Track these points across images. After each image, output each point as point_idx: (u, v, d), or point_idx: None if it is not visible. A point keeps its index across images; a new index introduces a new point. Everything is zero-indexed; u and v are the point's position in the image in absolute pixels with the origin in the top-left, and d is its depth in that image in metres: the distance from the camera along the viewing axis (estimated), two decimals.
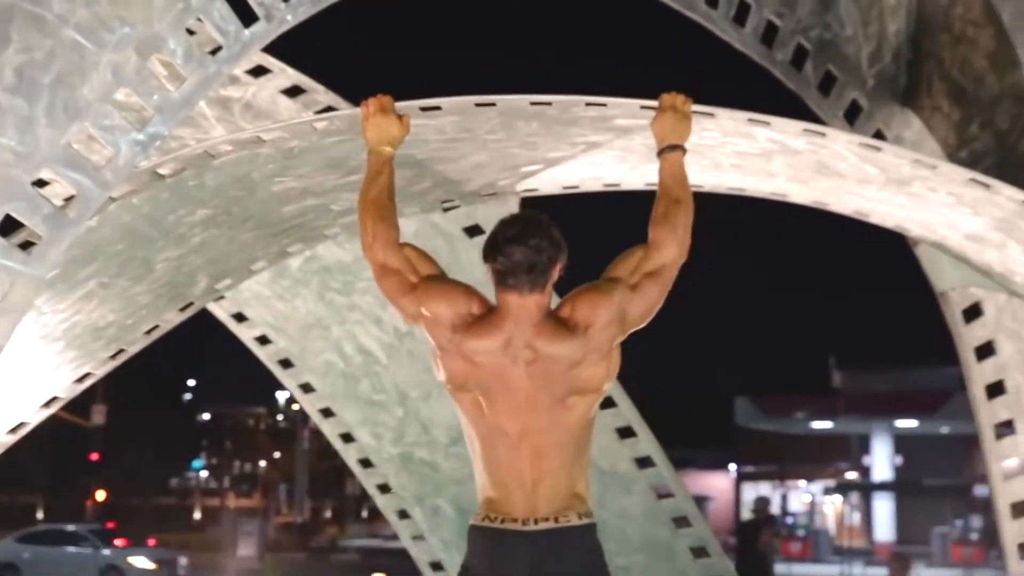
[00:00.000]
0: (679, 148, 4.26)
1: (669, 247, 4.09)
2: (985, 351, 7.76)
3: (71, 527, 34.84)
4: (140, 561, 30.91)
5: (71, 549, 32.14)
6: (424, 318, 4.04)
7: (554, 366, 3.92)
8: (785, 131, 5.59)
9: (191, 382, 75.17)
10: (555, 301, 4.13)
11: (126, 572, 30.30)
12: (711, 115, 5.31)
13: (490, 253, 3.97)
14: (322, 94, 7.46)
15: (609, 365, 4.00)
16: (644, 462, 8.78)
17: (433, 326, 4.01)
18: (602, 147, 6.30)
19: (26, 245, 5.03)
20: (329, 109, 7.42)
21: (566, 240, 4.04)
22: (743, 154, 6.03)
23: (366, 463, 9.68)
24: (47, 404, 7.44)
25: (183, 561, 32.20)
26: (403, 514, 9.76)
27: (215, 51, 5.38)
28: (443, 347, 4.00)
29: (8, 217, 4.93)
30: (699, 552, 8.90)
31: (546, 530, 3.87)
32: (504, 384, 3.92)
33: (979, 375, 7.77)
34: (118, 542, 32.82)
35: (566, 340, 3.93)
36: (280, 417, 76.50)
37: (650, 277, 4.06)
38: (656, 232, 4.12)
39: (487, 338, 3.94)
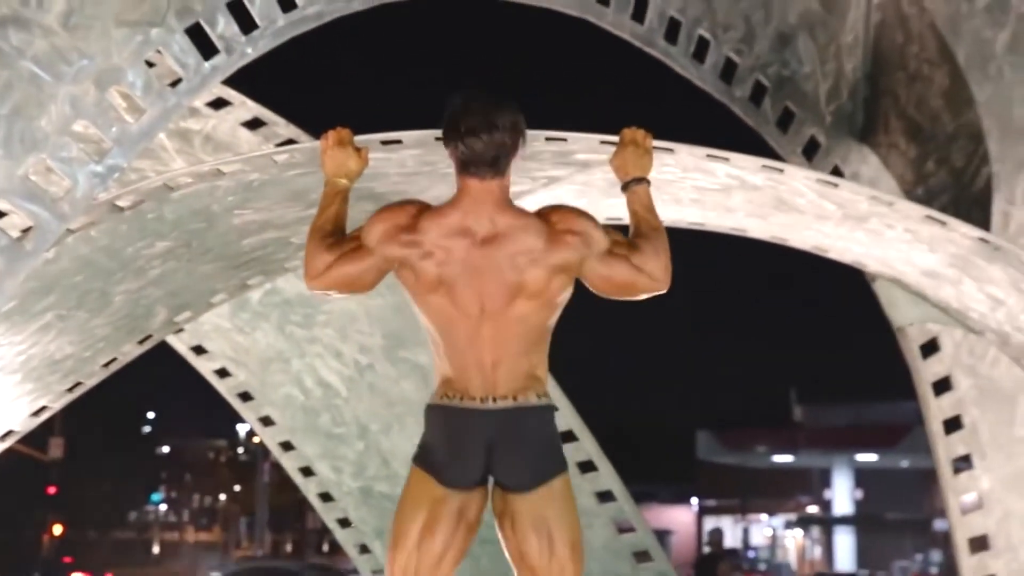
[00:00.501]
0: (644, 180, 4.28)
1: (654, 264, 4.04)
2: (942, 386, 7.80)
3: None
4: None
5: None
6: (385, 251, 3.96)
7: (509, 245, 3.90)
8: (744, 167, 5.63)
9: (150, 414, 74.54)
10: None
11: None
12: (671, 150, 5.34)
13: (451, 139, 3.96)
14: (283, 127, 7.46)
15: (553, 283, 3.95)
16: (605, 496, 8.79)
17: (392, 244, 3.95)
18: (562, 181, 6.31)
19: None
20: (290, 142, 7.41)
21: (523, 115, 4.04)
22: (702, 189, 6.07)
23: (326, 497, 9.64)
24: (3, 437, 7.38)
25: None
26: (364, 548, 9.72)
27: (175, 83, 5.38)
28: (407, 257, 3.93)
29: None
30: None
31: (504, 408, 3.88)
32: (464, 265, 3.90)
33: (937, 410, 7.80)
34: None
35: (527, 224, 3.94)
36: (240, 450, 75.90)
37: (628, 264, 4.03)
38: (643, 245, 4.07)
39: (446, 217, 3.93)
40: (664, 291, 4.13)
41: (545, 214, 4.03)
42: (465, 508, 3.93)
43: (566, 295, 4.04)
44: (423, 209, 4.03)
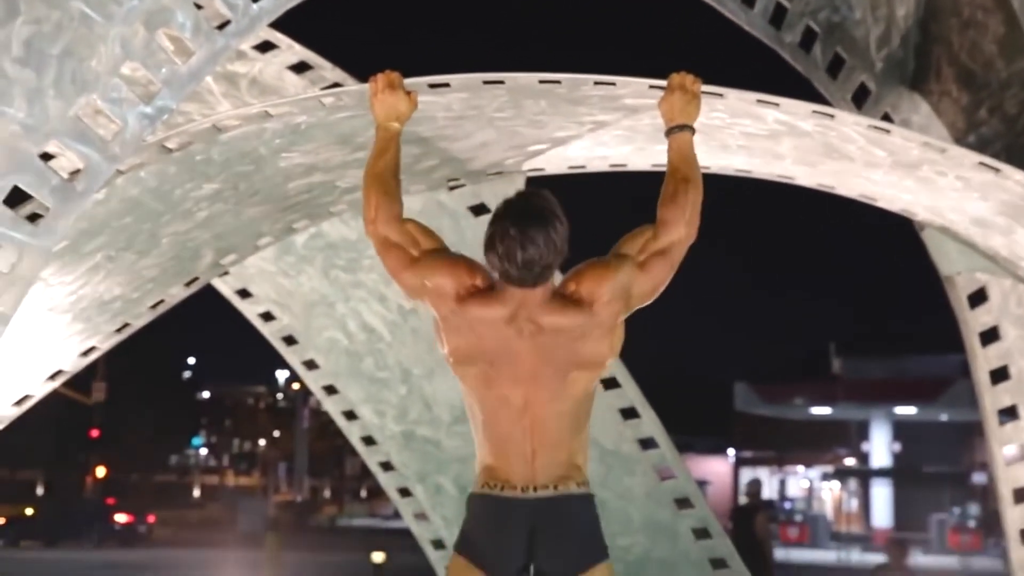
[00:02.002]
0: (688, 128, 4.24)
1: (678, 227, 4.07)
2: (990, 336, 7.76)
3: None
4: None
5: None
6: (427, 291, 4.02)
7: (557, 339, 3.92)
8: (794, 112, 5.58)
9: (191, 360, 75.24)
10: (558, 277, 4.13)
11: None
12: (720, 95, 5.30)
13: (491, 250, 3.92)
14: (329, 71, 7.45)
15: (612, 341, 4.00)
16: (647, 443, 8.80)
17: (436, 298, 3.99)
18: (609, 127, 6.29)
19: (34, 217, 5.02)
20: (336, 86, 7.40)
21: (568, 221, 3.97)
22: (751, 135, 6.02)
23: (369, 441, 9.69)
24: (52, 377, 7.45)
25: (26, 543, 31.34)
26: (405, 492, 9.77)
27: (223, 25, 5.36)
28: (447, 319, 3.99)
29: (16, 189, 4.92)
30: (701, 533, 8.92)
31: (545, 498, 3.89)
32: (508, 355, 3.92)
33: (984, 360, 7.77)
34: None
35: (570, 314, 3.93)
36: (280, 396, 76.57)
37: (658, 256, 4.04)
38: (665, 212, 4.09)
39: (491, 308, 3.93)
40: (694, 239, 4.12)
41: (576, 293, 3.97)
42: None
43: (617, 345, 4.05)
44: (478, 289, 3.98)
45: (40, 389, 7.52)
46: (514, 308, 3.93)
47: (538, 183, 7.81)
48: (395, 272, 4.13)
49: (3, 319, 4.92)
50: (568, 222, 3.97)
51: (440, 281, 3.99)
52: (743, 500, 31.81)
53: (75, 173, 5.12)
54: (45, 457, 55.37)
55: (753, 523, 19.17)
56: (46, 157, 5.15)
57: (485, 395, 3.96)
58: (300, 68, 7.42)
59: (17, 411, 7.56)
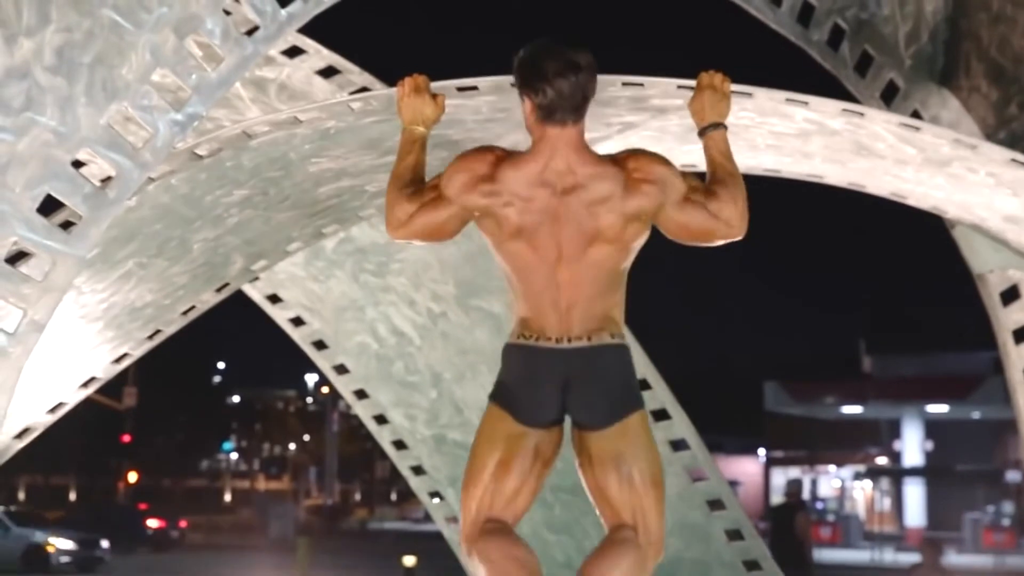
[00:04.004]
0: (721, 125, 4.25)
1: (731, 210, 4.05)
2: (1023, 334, 7.71)
3: None
4: (60, 541, 30.60)
5: None
6: (467, 201, 4.03)
7: (588, 194, 3.94)
8: (823, 111, 5.55)
9: (221, 365, 75.56)
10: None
11: (50, 553, 29.66)
12: (749, 95, 5.28)
13: (535, 86, 3.97)
14: (356, 75, 7.47)
15: (629, 230, 3.99)
16: (679, 444, 8.79)
17: (474, 200, 4.01)
18: (637, 128, 6.27)
19: (66, 225, 5.05)
20: (364, 90, 7.42)
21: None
22: (779, 135, 6.00)
23: (400, 445, 9.71)
24: (85, 384, 7.49)
25: (104, 543, 31.70)
26: (436, 495, 9.79)
27: (251, 31, 5.38)
28: (488, 206, 3.99)
29: (48, 197, 4.95)
30: (734, 535, 8.90)
31: (579, 348, 3.92)
32: (545, 213, 3.94)
33: (1017, 358, 7.72)
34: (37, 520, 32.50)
35: (606, 172, 3.97)
36: (309, 400, 76.81)
37: (705, 211, 4.03)
38: (720, 191, 4.07)
39: (528, 166, 3.98)
40: (740, 237, 4.12)
41: (622, 160, 4.03)
42: (541, 446, 3.97)
43: (641, 240, 4.07)
44: (502, 158, 4.06)
45: (73, 396, 7.56)
46: (545, 161, 3.97)
47: None
48: (432, 226, 4.12)
49: (38, 327, 4.95)
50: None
51: (464, 176, 4.03)
52: (780, 500, 31.77)
53: (107, 180, 5.15)
54: (77, 463, 55.77)
55: (794, 523, 19.10)
56: (77, 164, 5.18)
57: (522, 257, 3.98)
58: (328, 73, 7.44)
59: (51, 419, 7.61)
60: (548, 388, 3.93)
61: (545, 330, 3.94)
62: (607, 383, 3.95)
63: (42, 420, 7.59)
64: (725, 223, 4.06)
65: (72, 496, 57.22)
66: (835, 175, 6.83)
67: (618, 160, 4.04)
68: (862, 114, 5.68)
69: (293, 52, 7.33)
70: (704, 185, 4.11)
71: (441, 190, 4.07)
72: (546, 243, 3.94)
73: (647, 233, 4.06)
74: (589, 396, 3.93)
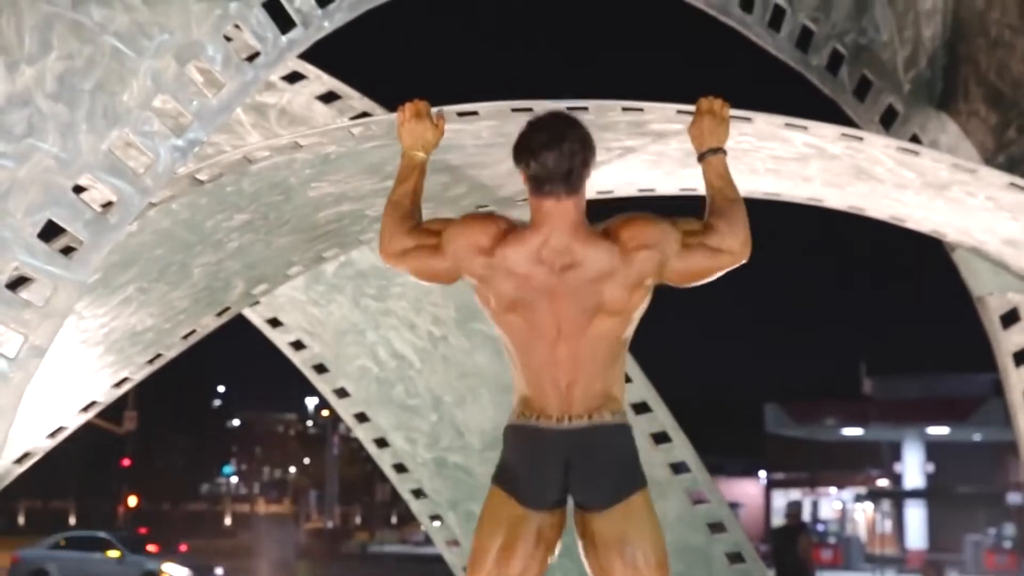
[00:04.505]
0: (721, 150, 4.24)
1: (730, 239, 4.01)
2: (1023, 357, 7.71)
3: (102, 533, 34.52)
4: (175, 569, 30.58)
5: (103, 555, 31.59)
6: (460, 262, 4.01)
7: (587, 272, 3.89)
8: (822, 135, 5.57)
9: (221, 388, 75.44)
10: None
11: None
12: (748, 119, 5.30)
13: (522, 159, 3.94)
14: (357, 100, 7.48)
15: (634, 298, 3.96)
16: (679, 467, 8.77)
17: (469, 262, 3.98)
18: (637, 152, 6.28)
19: (67, 250, 5.05)
20: (364, 115, 7.43)
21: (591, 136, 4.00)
22: (779, 159, 6.01)
23: (400, 468, 9.69)
24: (86, 408, 7.48)
25: (219, 571, 31.76)
26: (437, 519, 9.76)
27: (252, 57, 5.40)
28: (484, 278, 3.97)
29: (49, 222, 4.96)
30: (735, 558, 8.88)
31: (580, 427, 3.88)
32: (542, 290, 3.90)
33: (1017, 381, 7.72)
34: (150, 548, 32.66)
35: (602, 248, 3.91)
36: (310, 423, 76.62)
37: (704, 249, 4.01)
38: (718, 222, 4.04)
39: (526, 243, 3.92)
40: (745, 261, 4.10)
41: (615, 231, 3.98)
42: (544, 529, 3.92)
43: (644, 306, 4.04)
44: (505, 232, 4.00)
45: (73, 421, 7.55)
46: (547, 237, 3.91)
47: None
48: (425, 270, 4.13)
49: (39, 352, 4.95)
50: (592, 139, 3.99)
51: (467, 241, 3.98)
52: (781, 522, 31.69)
53: (108, 206, 5.15)
54: (77, 487, 55.62)
55: (796, 545, 19.04)
56: (78, 190, 5.18)
57: (521, 333, 3.95)
58: (328, 98, 7.46)
59: (51, 443, 7.59)
60: (550, 468, 3.89)
61: (546, 409, 3.90)
62: (608, 463, 3.91)
63: (42, 445, 7.58)
64: (728, 253, 4.03)
65: (72, 520, 56.99)
66: (834, 198, 6.84)
67: (611, 232, 3.96)
68: (861, 138, 5.70)
69: (293, 78, 7.35)
70: (701, 223, 4.06)
71: (441, 243, 4.06)
72: (544, 320, 3.91)
73: (649, 297, 4.03)
74: (591, 476, 3.89)
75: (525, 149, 3.95)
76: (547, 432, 3.89)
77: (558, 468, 3.88)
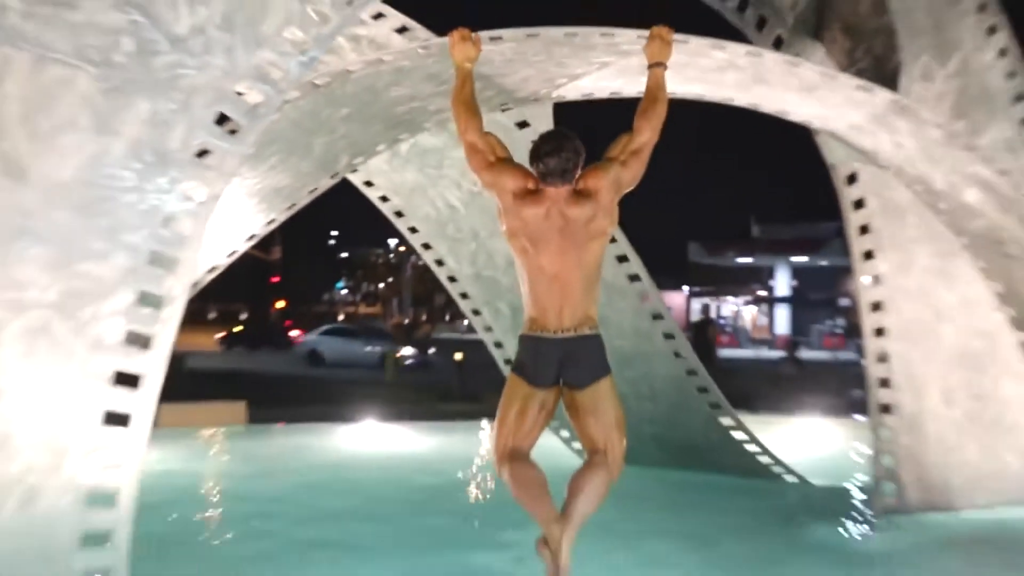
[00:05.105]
0: (661, 65, 4.09)
1: (646, 132, 3.94)
2: (858, 204, 7.62)
3: (351, 326, 32.27)
4: (408, 350, 27.77)
5: (353, 340, 28.88)
6: (496, 186, 3.93)
7: (577, 224, 3.85)
8: (735, 53, 5.40)
9: (334, 232, 75.54)
10: None
11: (399, 359, 25.73)
12: (685, 42, 5.13)
13: (534, 160, 3.87)
14: (420, 30, 7.26)
15: (611, 217, 3.91)
16: (633, 278, 8.79)
17: (501, 193, 3.91)
18: (610, 66, 6.11)
19: (232, 132, 4.98)
20: (425, 40, 7.22)
21: (582, 141, 3.91)
22: (704, 69, 5.85)
23: (451, 279, 9.73)
24: (249, 239, 7.49)
25: (431, 351, 28.68)
26: (476, 312, 9.85)
27: (351, 1, 5.22)
28: (506, 208, 3.91)
29: (221, 113, 4.87)
30: (668, 336, 8.96)
31: (569, 337, 3.86)
32: (543, 240, 3.85)
33: (855, 220, 7.63)
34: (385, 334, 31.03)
35: (584, 205, 3.85)
36: (392, 255, 76.95)
37: (634, 155, 3.92)
38: (639, 122, 3.96)
39: (534, 208, 3.86)
40: (656, 140, 3.99)
41: (584, 186, 3.88)
42: (545, 400, 3.90)
43: (616, 218, 3.93)
44: (531, 191, 3.89)
45: (241, 247, 7.56)
46: (549, 206, 3.85)
47: (560, 106, 7.66)
48: (477, 169, 4.01)
49: (215, 198, 4.90)
50: (583, 145, 3.91)
51: (506, 183, 3.90)
52: (697, 318, 32.07)
53: (257, 104, 5.06)
54: (246, 295, 56.16)
55: (707, 333, 19.18)
56: (238, 93, 5.08)
57: (527, 262, 3.88)
58: (401, 30, 7.25)
59: (228, 261, 7.62)
60: (549, 363, 3.85)
61: (547, 326, 3.86)
62: (587, 359, 3.87)
63: (222, 263, 7.61)
64: (647, 144, 3.93)
65: (243, 315, 57.71)
66: (741, 99, 6.67)
67: (582, 189, 3.87)
68: (760, 55, 5.52)
69: (377, 16, 7.13)
70: (625, 136, 3.95)
71: (495, 164, 3.93)
72: (544, 262, 3.85)
73: (617, 211, 3.93)
74: (576, 367, 3.86)
75: (535, 155, 3.86)
76: (547, 340, 3.86)
77: (554, 362, 3.85)
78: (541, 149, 3.85)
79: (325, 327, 32.64)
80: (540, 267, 3.86)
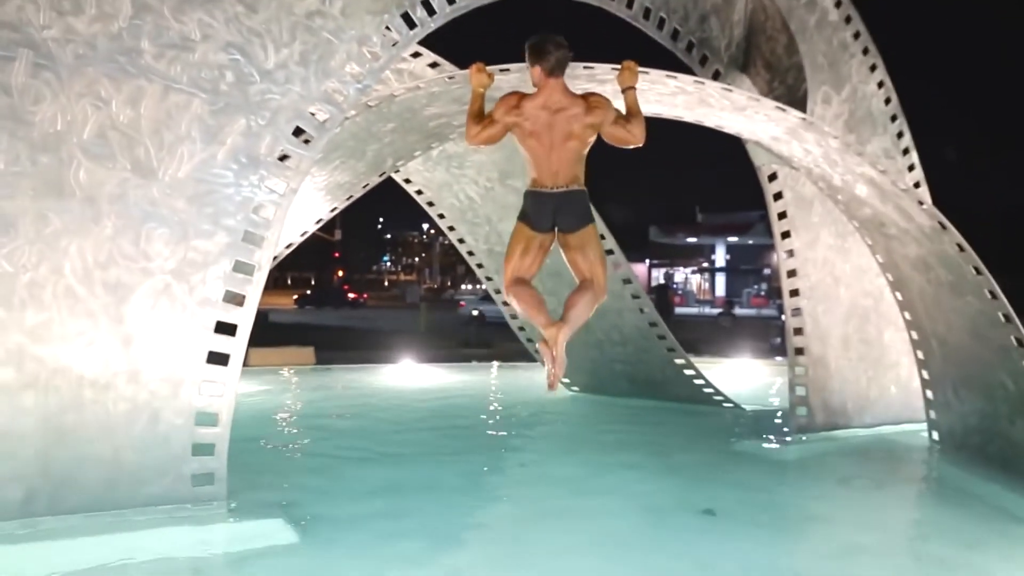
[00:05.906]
0: (633, 88, 4.14)
1: (632, 134, 3.91)
2: (778, 196, 7.65)
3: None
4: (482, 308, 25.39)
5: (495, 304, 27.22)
6: (510, 121, 3.90)
7: (567, 113, 3.83)
8: (684, 82, 5.42)
9: (381, 218, 75.34)
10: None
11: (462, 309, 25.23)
12: (647, 72, 5.15)
13: (543, 56, 3.85)
14: (448, 65, 7.27)
15: (587, 132, 3.86)
16: (609, 252, 8.82)
17: (512, 118, 3.89)
18: (589, 90, 6.12)
19: (306, 141, 5.03)
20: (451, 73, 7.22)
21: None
22: (661, 94, 5.86)
23: (470, 253, 9.77)
24: (317, 222, 7.54)
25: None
26: (488, 279, 9.91)
27: (394, 44, 5.25)
28: (518, 121, 3.88)
29: (296, 127, 4.92)
30: (635, 296, 9.02)
31: (561, 191, 3.84)
32: (544, 124, 3.84)
33: (775, 208, 7.66)
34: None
35: (577, 103, 3.86)
36: (424, 236, 76.80)
37: (624, 128, 3.89)
38: (629, 124, 3.94)
39: (537, 99, 3.87)
40: (641, 145, 4.03)
41: (586, 96, 3.90)
42: (544, 241, 3.91)
43: (592, 138, 3.94)
44: (523, 97, 3.92)
45: (311, 228, 7.63)
46: (545, 98, 3.86)
47: None
48: (488, 136, 3.92)
49: (293, 192, 4.98)
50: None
51: (505, 108, 3.90)
52: (657, 283, 32.10)
53: (325, 120, 5.11)
54: (315, 265, 56.13)
55: (666, 295, 19.19)
56: (311, 113, 5.14)
57: (531, 146, 3.88)
58: (433, 65, 7.25)
59: (301, 239, 7.68)
60: (547, 211, 3.85)
61: (544, 183, 3.87)
62: (575, 208, 3.87)
63: (296, 240, 7.67)
64: (633, 136, 3.95)
65: (312, 281, 57.78)
66: (689, 116, 6.67)
67: (585, 96, 3.89)
68: (703, 83, 5.54)
69: (415, 55, 7.13)
70: (624, 116, 4.02)
71: (492, 116, 3.97)
72: (545, 140, 3.84)
73: (595, 135, 3.94)
74: (567, 214, 3.86)
75: (544, 52, 3.84)
76: (545, 194, 3.85)
77: (551, 211, 3.84)
78: (547, 47, 3.84)
79: (481, 295, 30.71)
80: (539, 145, 3.84)
